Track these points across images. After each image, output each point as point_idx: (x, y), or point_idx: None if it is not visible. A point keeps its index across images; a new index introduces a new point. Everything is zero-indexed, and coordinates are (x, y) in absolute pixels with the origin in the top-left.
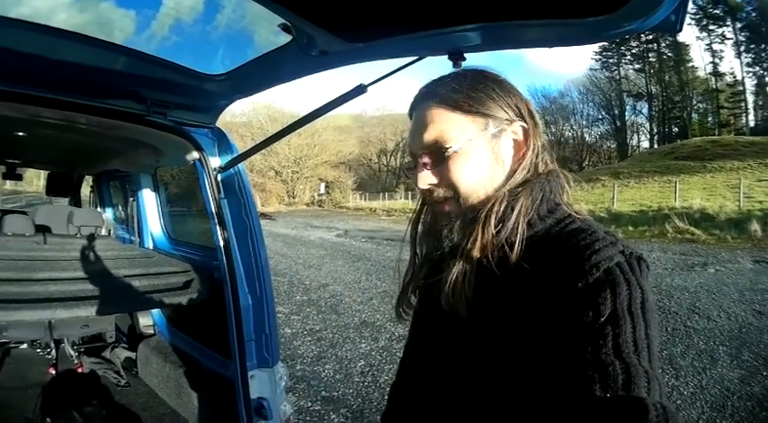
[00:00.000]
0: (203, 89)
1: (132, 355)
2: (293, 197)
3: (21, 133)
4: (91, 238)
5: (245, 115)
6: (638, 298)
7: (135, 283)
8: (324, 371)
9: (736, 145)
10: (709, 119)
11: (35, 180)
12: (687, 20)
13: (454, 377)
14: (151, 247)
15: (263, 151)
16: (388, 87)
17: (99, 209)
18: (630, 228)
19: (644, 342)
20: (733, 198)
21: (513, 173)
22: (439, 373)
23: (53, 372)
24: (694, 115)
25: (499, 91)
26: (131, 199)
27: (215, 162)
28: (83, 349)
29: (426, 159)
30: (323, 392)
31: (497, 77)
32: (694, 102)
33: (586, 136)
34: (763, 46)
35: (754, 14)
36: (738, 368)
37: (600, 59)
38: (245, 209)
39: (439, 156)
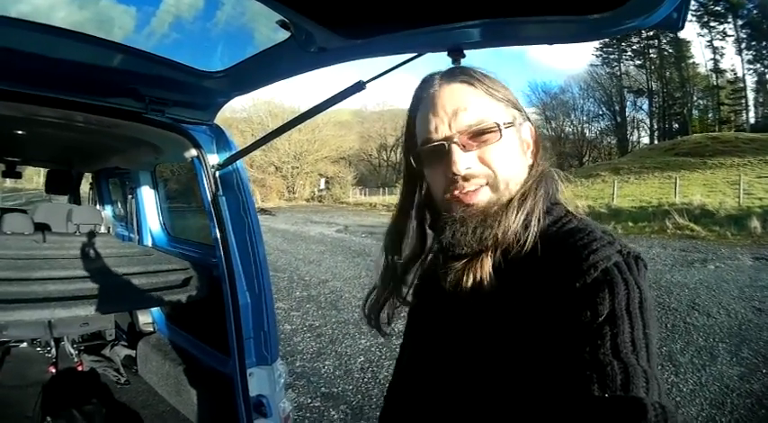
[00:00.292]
0: (201, 86)
1: (132, 352)
2: (293, 193)
3: (20, 131)
4: (90, 235)
5: (245, 111)
6: (635, 297)
7: (134, 282)
8: (323, 367)
9: (736, 141)
10: (710, 115)
11: (35, 177)
12: (688, 17)
13: (452, 375)
14: (150, 244)
15: (263, 147)
16: (388, 83)
17: (98, 206)
18: (630, 224)
19: (642, 342)
20: (733, 194)
21: (530, 168)
22: (437, 371)
23: (53, 370)
24: (695, 112)
25: (511, 91)
26: (130, 196)
27: (213, 159)
28: (83, 347)
29: (468, 141)
30: (323, 389)
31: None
32: (695, 98)
33: (587, 132)
34: (763, 43)
35: (755, 11)
36: (738, 365)
37: (601, 55)
38: (244, 206)
39: (479, 137)
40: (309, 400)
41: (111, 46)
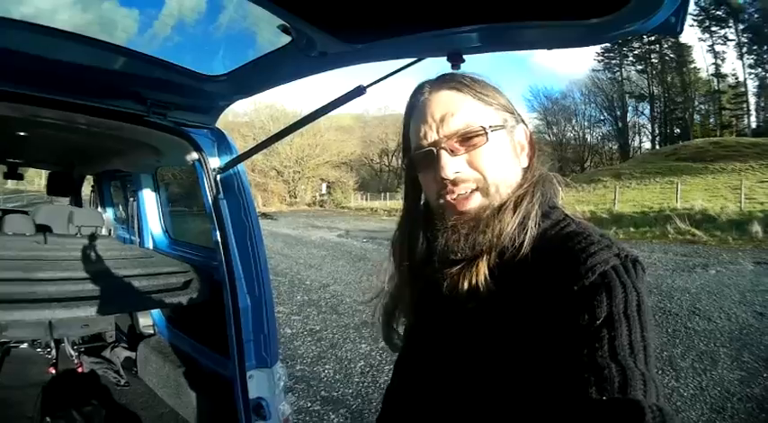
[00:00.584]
0: (203, 90)
1: (132, 354)
2: (295, 197)
3: (22, 133)
4: (91, 237)
5: (247, 115)
6: (633, 301)
7: (135, 284)
8: (324, 371)
9: (737, 146)
10: (711, 120)
11: (36, 179)
12: (689, 21)
13: (451, 379)
14: (151, 247)
15: (265, 151)
16: (389, 88)
17: (99, 208)
18: (632, 229)
19: (640, 344)
20: (734, 199)
21: (525, 171)
22: (436, 376)
23: (53, 371)
24: (696, 116)
25: (504, 94)
26: (132, 199)
27: (214, 163)
28: (83, 349)
29: (455, 145)
30: (322, 393)
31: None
32: (696, 103)
33: (588, 137)
34: (765, 47)
35: (756, 16)
36: (738, 370)
37: (602, 60)
38: (245, 209)
39: (467, 141)
40: (309, 404)
41: (114, 49)
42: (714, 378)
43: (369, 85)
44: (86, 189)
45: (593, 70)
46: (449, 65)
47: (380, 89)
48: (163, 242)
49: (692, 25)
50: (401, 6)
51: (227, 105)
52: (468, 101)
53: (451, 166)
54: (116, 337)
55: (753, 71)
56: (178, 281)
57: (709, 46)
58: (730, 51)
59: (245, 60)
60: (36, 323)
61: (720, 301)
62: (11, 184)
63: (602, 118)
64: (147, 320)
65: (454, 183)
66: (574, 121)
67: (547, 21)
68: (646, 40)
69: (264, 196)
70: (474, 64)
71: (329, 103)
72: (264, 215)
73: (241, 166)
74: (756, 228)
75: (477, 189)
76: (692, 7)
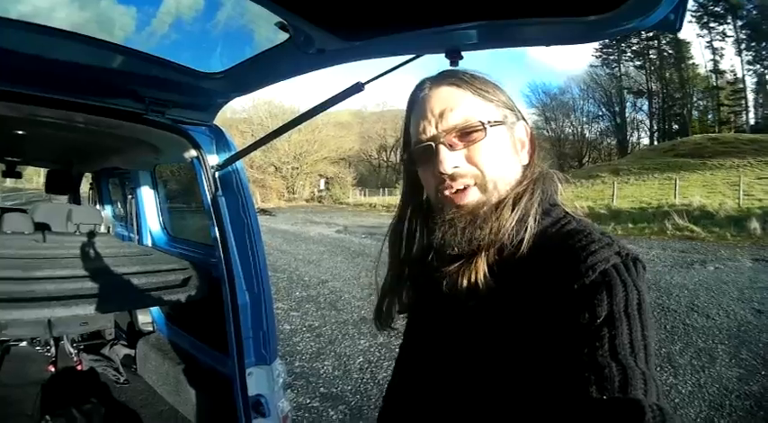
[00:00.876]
0: (201, 87)
1: (131, 352)
2: (293, 193)
3: (20, 132)
4: (90, 235)
5: (245, 112)
6: (634, 299)
7: (134, 281)
8: (323, 367)
9: (736, 142)
10: (710, 116)
11: (35, 177)
12: (688, 17)
13: (452, 376)
14: (150, 244)
15: (263, 147)
16: (388, 84)
17: (98, 206)
18: (630, 225)
19: (640, 343)
20: (733, 196)
21: (525, 168)
22: (437, 372)
23: (52, 369)
24: (694, 112)
25: (505, 91)
26: (130, 196)
27: (213, 160)
28: (82, 347)
29: (454, 140)
30: (321, 389)
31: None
32: (695, 99)
33: (586, 132)
34: (763, 44)
35: (754, 12)
36: (737, 367)
37: (600, 56)
38: (243, 206)
39: (466, 137)
40: (308, 401)
41: (112, 47)
42: (712, 375)
43: (367, 82)
44: (85, 187)
45: (592, 66)
46: (447, 62)
47: (379, 85)
48: (161, 239)
49: (690, 21)
50: (399, 3)
51: (226, 102)
52: (468, 96)
53: (450, 160)
54: (115, 334)
55: (751, 67)
56: (177, 278)
57: (707, 42)
58: (729, 48)
59: (242, 58)
60: (35, 321)
61: (719, 297)
62: (9, 182)
63: (600, 114)
64: (147, 318)
65: (452, 178)
66: (572, 116)
67: (545, 18)
68: (644, 36)
69: (263, 192)
70: (472, 60)
71: (327, 100)
72: (263, 211)
73: (239, 163)
74: (755, 224)
75: (474, 184)
76: (690, 4)
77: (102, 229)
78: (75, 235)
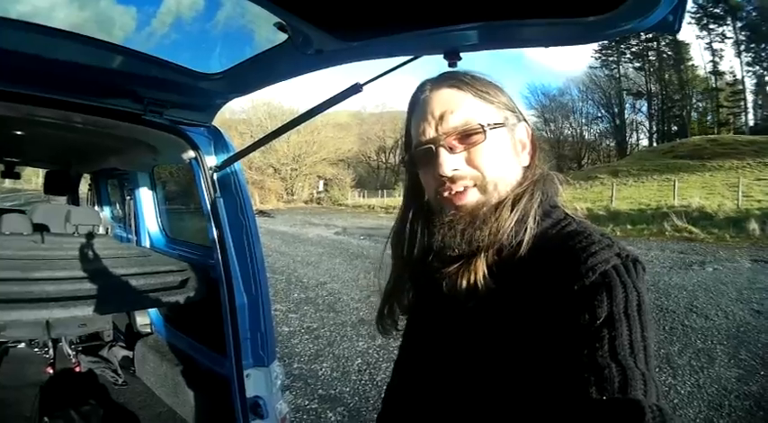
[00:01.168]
0: (200, 88)
1: (129, 353)
2: (292, 195)
3: (19, 132)
4: (89, 237)
5: (244, 112)
6: (634, 300)
7: (132, 282)
8: (321, 369)
9: (735, 144)
10: (709, 118)
11: (33, 178)
12: (687, 19)
13: (452, 377)
14: (148, 245)
15: (262, 149)
16: (387, 85)
17: (97, 207)
18: (629, 226)
19: (640, 344)
20: (732, 197)
21: (526, 170)
22: (436, 373)
23: (51, 371)
24: (694, 114)
25: (506, 92)
26: (129, 197)
27: (211, 161)
28: (80, 348)
29: (454, 142)
30: (320, 391)
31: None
32: (694, 100)
33: (586, 134)
34: (762, 45)
35: (754, 14)
36: (736, 367)
37: (600, 58)
38: (241, 207)
39: (466, 139)
40: (307, 402)
41: (110, 47)
42: (711, 375)
43: (365, 83)
44: (84, 188)
45: (591, 67)
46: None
47: (378, 86)
48: (160, 240)
49: (689, 23)
50: (398, 4)
51: (224, 103)
52: (468, 99)
53: (449, 163)
54: (113, 336)
55: (750, 69)
56: (175, 279)
57: (706, 43)
58: (728, 49)
59: (241, 58)
60: (33, 323)
61: (717, 298)
62: (8, 182)
63: (599, 115)
64: (145, 319)
65: (452, 180)
66: (571, 118)
67: (544, 19)
68: (643, 37)
69: (261, 194)
70: (471, 62)
71: (325, 101)
72: (261, 213)
73: (238, 164)
74: (753, 225)
75: (474, 186)
76: (689, 5)
77: (101, 230)
78: (74, 236)
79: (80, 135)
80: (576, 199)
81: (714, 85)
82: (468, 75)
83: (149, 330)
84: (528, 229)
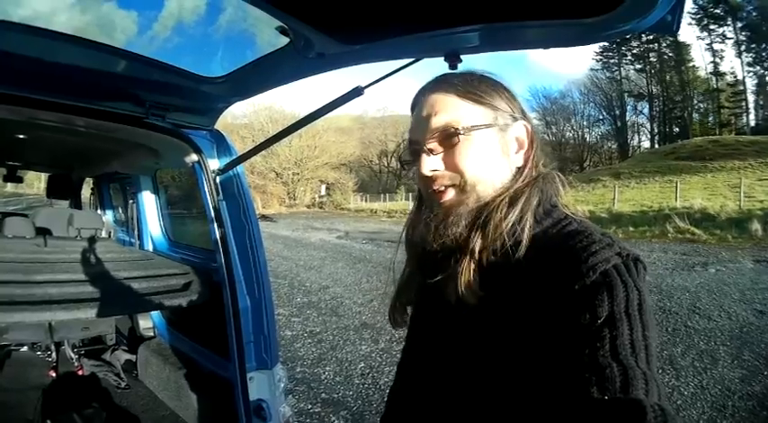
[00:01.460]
0: (202, 91)
1: (132, 357)
2: (294, 199)
3: (21, 136)
4: (91, 240)
5: (246, 117)
6: (634, 300)
7: (135, 286)
8: (324, 373)
9: (737, 144)
10: (710, 118)
11: (35, 182)
12: (687, 19)
13: (453, 378)
14: (151, 249)
15: (264, 153)
16: (388, 88)
17: (99, 211)
18: (631, 228)
19: (641, 344)
20: (734, 198)
21: (519, 171)
22: (439, 374)
23: (53, 374)
24: (695, 115)
25: (504, 91)
26: (131, 201)
27: (214, 164)
28: (83, 352)
29: (433, 145)
30: (323, 394)
31: (501, 81)
32: (695, 101)
33: (587, 136)
34: (763, 45)
35: (754, 14)
36: (739, 368)
37: (601, 60)
38: (244, 211)
39: (447, 141)
40: (310, 406)
41: (113, 51)
42: (714, 376)
43: (367, 86)
44: (86, 192)
45: (592, 69)
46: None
47: (380, 90)
48: (162, 244)
49: (690, 24)
50: (398, 7)
51: (226, 107)
52: (454, 101)
53: (428, 164)
54: (116, 339)
55: (751, 69)
56: (178, 283)
57: (707, 44)
58: (729, 50)
59: (243, 62)
60: (36, 325)
61: (720, 299)
62: (10, 187)
63: (600, 117)
64: (148, 323)
65: (432, 179)
66: (573, 120)
67: (544, 20)
68: (644, 38)
69: (263, 198)
70: (471, 64)
71: (327, 105)
72: (264, 217)
73: (240, 168)
74: (756, 226)
75: (452, 185)
76: (689, 6)
77: (104, 233)
78: (77, 240)
79: (82, 139)
80: (578, 201)
81: (715, 86)
82: (460, 76)
83: (152, 334)
84: (526, 230)
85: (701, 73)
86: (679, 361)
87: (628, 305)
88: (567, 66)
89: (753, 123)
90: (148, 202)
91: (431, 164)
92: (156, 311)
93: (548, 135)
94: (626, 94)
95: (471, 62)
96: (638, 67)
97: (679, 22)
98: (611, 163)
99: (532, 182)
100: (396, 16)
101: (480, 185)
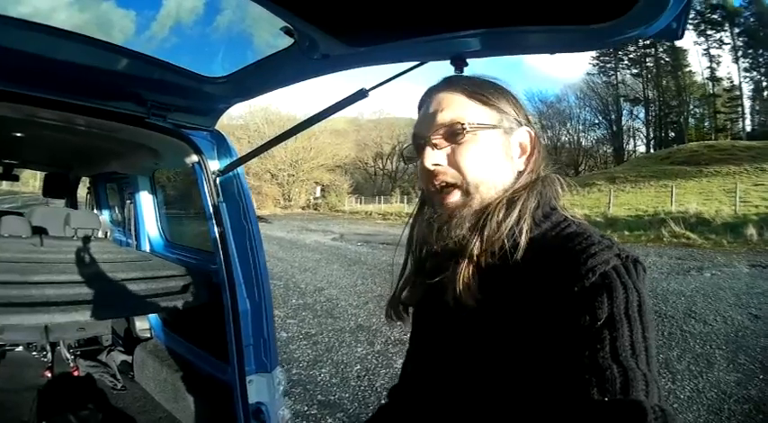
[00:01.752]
0: (204, 92)
1: (128, 358)
2: (289, 200)
3: (18, 134)
4: (88, 240)
5: (242, 118)
6: (634, 301)
7: (133, 288)
8: (320, 375)
9: (732, 149)
10: (706, 123)
11: (31, 181)
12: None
13: (455, 378)
14: (148, 249)
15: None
16: (385, 91)
17: (95, 210)
18: (626, 232)
19: (641, 345)
20: (729, 202)
21: (521, 174)
22: (440, 375)
23: (49, 375)
24: (691, 120)
25: (511, 96)
26: (128, 201)
27: (214, 165)
28: (78, 352)
29: (438, 139)
30: (319, 396)
31: (508, 87)
32: (691, 107)
33: (583, 140)
34: (760, 51)
35: (752, 20)
36: (735, 371)
37: (597, 64)
38: (244, 212)
39: (452, 137)
40: (306, 408)
41: (115, 49)
42: (710, 380)
43: (371, 89)
44: (82, 191)
45: (588, 74)
46: (451, 68)
47: (375, 93)
48: (160, 245)
49: (687, 29)
50: (405, 10)
51: (228, 108)
52: (461, 99)
53: (431, 157)
54: (112, 340)
55: (748, 75)
56: (176, 284)
57: (704, 50)
58: (726, 55)
59: (246, 62)
60: (32, 326)
61: (716, 303)
62: (5, 185)
63: (596, 122)
64: (144, 324)
65: (434, 174)
66: (568, 124)
67: (551, 25)
68: (641, 43)
69: (259, 199)
70: (469, 68)
71: (331, 106)
72: (259, 218)
73: (240, 169)
74: (751, 231)
75: (456, 186)
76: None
77: (100, 234)
78: (73, 239)
79: (81, 138)
80: (573, 205)
81: (711, 91)
82: (468, 78)
83: (149, 335)
84: (524, 232)
85: (698, 78)
86: (675, 365)
87: (627, 307)
88: (564, 70)
89: (749, 129)
90: (146, 202)
91: (434, 157)
92: (154, 314)
93: (543, 139)
94: (622, 99)
95: (473, 64)
96: (635, 71)
97: (684, 29)
98: (606, 167)
99: (531, 185)
100: (402, 19)
101: (483, 187)
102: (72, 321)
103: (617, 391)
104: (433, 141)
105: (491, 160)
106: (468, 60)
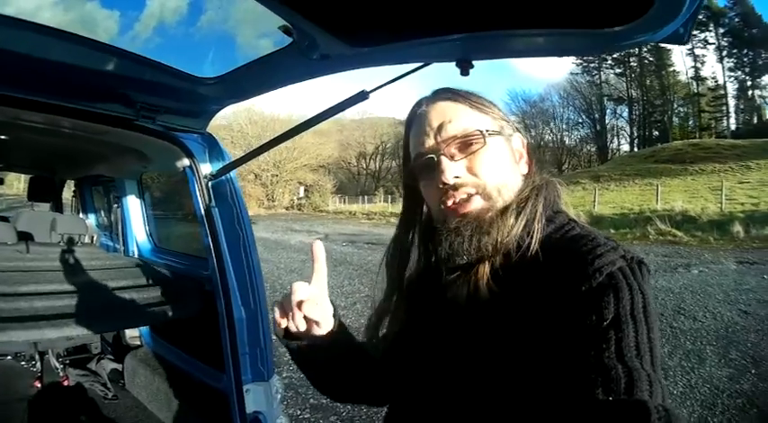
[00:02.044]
0: (196, 93)
1: (119, 366)
2: (273, 201)
3: (2, 137)
4: (76, 246)
5: (225, 119)
6: (639, 302)
7: (125, 297)
8: None
9: (717, 148)
10: (690, 122)
11: (15, 183)
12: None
13: (462, 380)
14: (136, 255)
15: (242, 154)
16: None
17: (81, 214)
18: (612, 230)
19: (646, 346)
20: (715, 200)
21: (525, 178)
22: (445, 377)
23: (38, 384)
24: (675, 119)
25: (497, 107)
26: (115, 205)
27: (206, 169)
28: (68, 361)
29: (454, 151)
30: (311, 400)
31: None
32: (675, 106)
33: (566, 139)
34: (745, 51)
35: (736, 20)
36: (726, 367)
37: (581, 64)
38: (238, 217)
39: (467, 147)
40: (299, 412)
41: (102, 48)
42: (703, 375)
43: (372, 91)
44: (66, 193)
45: (572, 74)
46: (452, 71)
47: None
48: (148, 250)
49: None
50: (410, 10)
51: (220, 109)
52: (465, 109)
53: (451, 170)
54: (101, 348)
55: (732, 74)
56: (168, 292)
57: (688, 49)
58: (710, 55)
59: (240, 62)
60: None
61: (705, 300)
62: None
63: (580, 121)
64: (134, 332)
65: (455, 187)
66: (552, 124)
67: (560, 29)
68: None
69: None
70: (452, 70)
71: (331, 108)
72: None
73: (233, 173)
74: (738, 228)
75: (477, 193)
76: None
77: (87, 238)
78: (60, 246)
79: (68, 140)
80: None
81: (696, 91)
82: (459, 90)
83: (138, 343)
84: (534, 234)
85: (682, 77)
86: (667, 361)
87: (633, 308)
88: (547, 70)
89: (733, 127)
90: (133, 206)
91: (454, 170)
92: (148, 325)
93: (526, 139)
94: (605, 98)
95: (449, 66)
96: (619, 71)
97: (690, 34)
98: (590, 166)
99: (537, 189)
100: (407, 19)
101: (504, 190)
102: (64, 336)
103: (621, 390)
104: (450, 153)
105: (504, 165)
106: (445, 63)
